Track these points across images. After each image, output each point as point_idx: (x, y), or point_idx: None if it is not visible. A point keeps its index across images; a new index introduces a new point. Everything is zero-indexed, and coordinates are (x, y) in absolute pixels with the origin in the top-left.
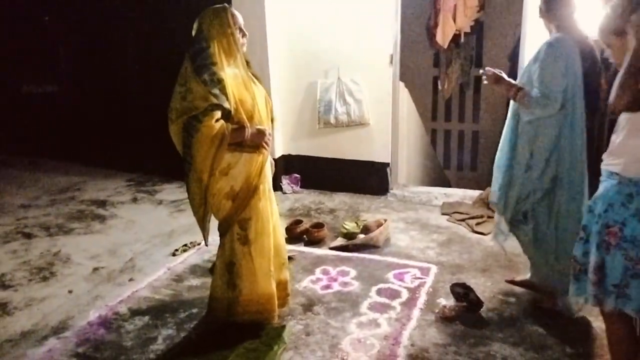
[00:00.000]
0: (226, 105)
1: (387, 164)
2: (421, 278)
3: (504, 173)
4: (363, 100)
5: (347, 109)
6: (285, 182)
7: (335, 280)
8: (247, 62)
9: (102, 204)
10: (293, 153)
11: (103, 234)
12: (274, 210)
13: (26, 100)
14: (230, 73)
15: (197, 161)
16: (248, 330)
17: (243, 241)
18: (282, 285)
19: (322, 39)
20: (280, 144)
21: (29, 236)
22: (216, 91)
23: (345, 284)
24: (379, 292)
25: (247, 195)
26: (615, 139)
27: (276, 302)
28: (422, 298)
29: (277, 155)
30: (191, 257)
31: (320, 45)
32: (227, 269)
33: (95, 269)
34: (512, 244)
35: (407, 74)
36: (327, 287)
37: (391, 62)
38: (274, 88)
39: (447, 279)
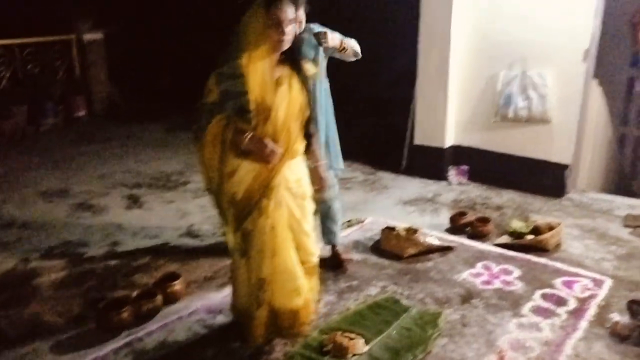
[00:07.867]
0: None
1: (566, 166)
2: (593, 290)
3: None
4: (547, 96)
5: (529, 104)
6: (452, 172)
7: (496, 277)
8: (291, 50)
9: None
10: (464, 144)
11: None
12: (301, 227)
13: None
14: (257, 68)
15: (205, 158)
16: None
17: (241, 253)
18: (289, 315)
19: (511, 30)
20: (452, 134)
21: None
22: (225, 87)
23: (507, 282)
24: (544, 297)
25: (246, 207)
26: None
27: (260, 327)
28: (591, 310)
29: (447, 145)
30: (354, 233)
31: (508, 36)
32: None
33: None
34: None
35: (600, 72)
36: (488, 282)
37: (585, 57)
38: (452, 77)
39: (623, 295)
